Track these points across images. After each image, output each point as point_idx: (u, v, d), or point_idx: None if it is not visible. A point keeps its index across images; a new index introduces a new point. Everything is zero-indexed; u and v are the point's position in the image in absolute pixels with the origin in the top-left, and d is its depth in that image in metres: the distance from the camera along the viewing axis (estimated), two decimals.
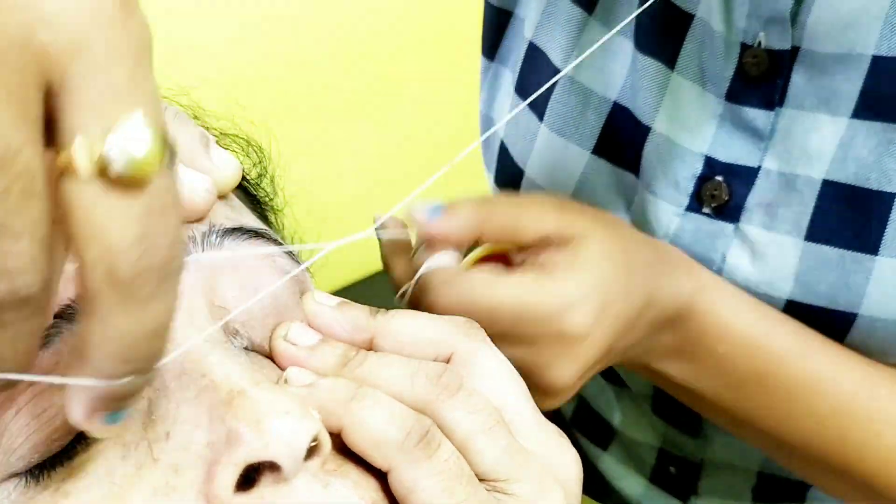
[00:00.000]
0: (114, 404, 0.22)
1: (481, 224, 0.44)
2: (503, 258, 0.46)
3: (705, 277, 0.48)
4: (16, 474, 0.27)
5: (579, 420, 0.69)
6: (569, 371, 0.44)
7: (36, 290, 0.20)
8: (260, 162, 0.44)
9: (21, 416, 0.26)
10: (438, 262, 0.44)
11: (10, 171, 0.19)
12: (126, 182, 0.20)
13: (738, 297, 0.48)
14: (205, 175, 0.32)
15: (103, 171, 0.20)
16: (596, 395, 0.66)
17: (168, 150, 0.21)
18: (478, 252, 0.47)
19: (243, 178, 0.41)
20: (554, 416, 0.71)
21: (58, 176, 0.20)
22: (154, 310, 0.21)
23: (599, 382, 0.66)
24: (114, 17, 0.20)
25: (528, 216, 0.44)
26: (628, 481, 0.67)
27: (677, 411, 0.60)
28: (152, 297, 0.21)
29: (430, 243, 0.44)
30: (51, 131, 0.20)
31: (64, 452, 0.27)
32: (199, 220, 0.32)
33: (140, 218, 0.20)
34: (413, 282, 0.44)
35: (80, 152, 0.20)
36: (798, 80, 0.47)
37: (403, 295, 0.45)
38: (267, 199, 0.43)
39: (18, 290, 0.20)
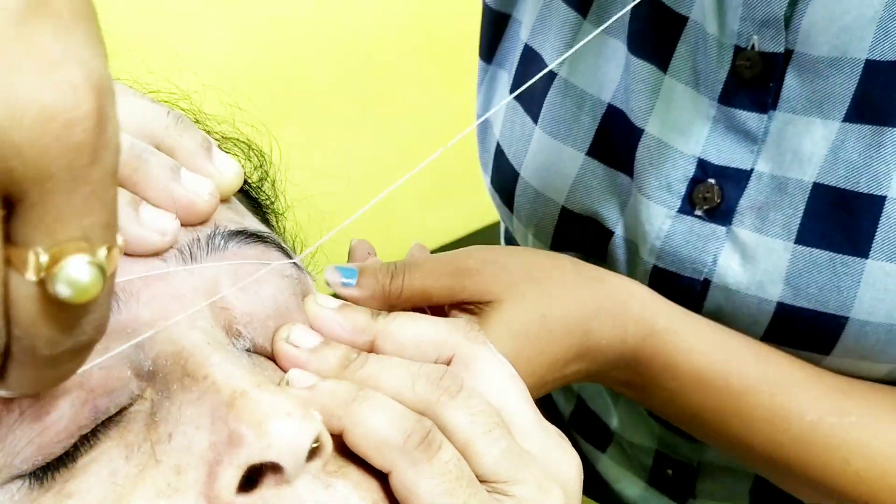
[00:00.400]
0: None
1: (390, 293, 0.43)
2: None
3: (662, 320, 0.47)
4: (19, 476, 0.27)
5: (578, 421, 0.69)
6: None
7: None
8: (261, 166, 0.45)
9: (24, 419, 0.27)
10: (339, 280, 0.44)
11: None
12: (62, 301, 0.21)
13: (698, 336, 0.47)
14: (207, 179, 0.32)
15: (44, 283, 0.21)
16: (593, 396, 0.67)
17: (107, 283, 0.22)
18: None
19: (245, 181, 0.41)
20: (552, 416, 0.71)
21: (6, 258, 0.21)
22: (64, 369, 0.24)
23: (597, 385, 0.66)
24: (83, 146, 0.21)
25: (438, 284, 0.44)
26: (627, 483, 0.67)
27: None
28: (67, 361, 0.23)
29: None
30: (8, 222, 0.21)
31: (67, 454, 0.27)
32: (202, 223, 0.32)
33: (68, 321, 0.22)
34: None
35: (29, 261, 0.21)
36: (791, 83, 0.47)
37: None
38: (268, 202, 0.44)
39: None
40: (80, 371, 0.27)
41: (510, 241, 0.72)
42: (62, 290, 0.21)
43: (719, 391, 0.47)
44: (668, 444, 0.62)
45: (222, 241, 0.32)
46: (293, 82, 1.49)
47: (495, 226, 0.80)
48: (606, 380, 0.49)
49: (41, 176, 0.20)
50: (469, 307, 0.44)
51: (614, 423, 0.65)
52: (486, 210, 1.64)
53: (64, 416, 0.27)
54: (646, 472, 0.65)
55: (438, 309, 0.46)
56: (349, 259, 0.50)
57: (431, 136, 1.59)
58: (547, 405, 0.72)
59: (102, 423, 0.28)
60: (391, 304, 0.43)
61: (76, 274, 0.21)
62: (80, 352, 0.23)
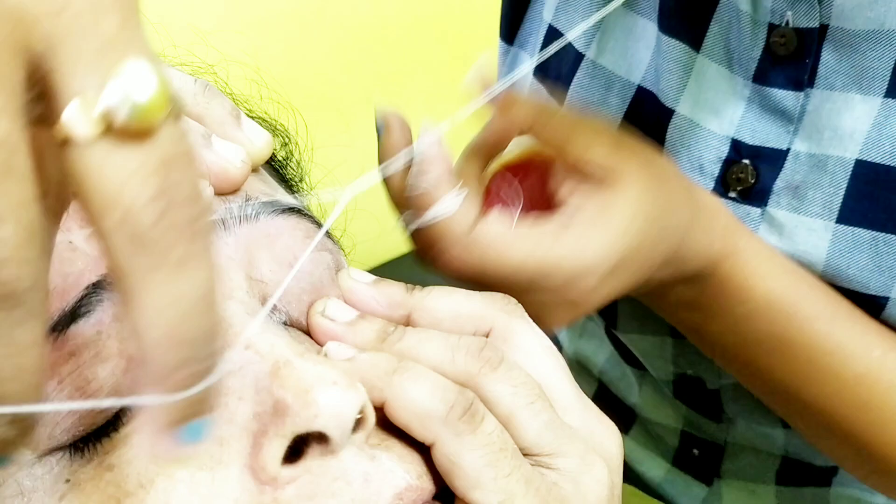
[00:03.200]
0: (187, 414, 0.20)
1: (534, 126, 0.43)
2: (539, 170, 0.45)
3: (742, 241, 0.47)
4: (60, 448, 0.27)
5: (600, 403, 0.68)
6: (564, 320, 0.44)
7: (25, 285, 0.18)
8: (286, 144, 0.44)
9: (64, 388, 0.26)
10: (444, 211, 0.41)
11: None
12: (133, 133, 0.18)
13: (773, 262, 0.47)
14: (238, 146, 0.32)
15: (107, 128, 0.18)
16: (617, 379, 0.66)
17: (173, 97, 0.19)
18: (513, 157, 0.46)
19: (272, 157, 0.41)
20: None
21: (59, 149, 0.18)
22: (192, 275, 0.19)
23: (620, 367, 0.65)
24: None
25: (583, 134, 0.43)
26: (650, 465, 0.66)
27: (699, 396, 0.60)
28: (186, 259, 0.19)
29: (424, 167, 0.41)
30: (43, 109, 0.19)
31: (109, 424, 0.27)
32: (234, 192, 0.32)
33: (155, 170, 0.18)
34: (414, 226, 0.42)
35: (78, 114, 0.18)
36: (828, 58, 0.46)
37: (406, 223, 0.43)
38: (296, 179, 0.43)
39: (8, 283, 0.17)
40: (119, 341, 0.26)
41: None
42: (128, 117, 0.18)
43: (787, 317, 0.46)
44: (693, 424, 0.62)
45: (254, 212, 0.31)
46: (319, 62, 1.47)
47: None
48: (674, 297, 0.48)
49: (58, 6, 0.18)
50: (594, 171, 0.42)
51: (638, 403, 0.65)
52: None
53: (105, 384, 0.27)
54: (670, 452, 0.65)
55: (538, 168, 0.45)
56: (385, 133, 0.45)
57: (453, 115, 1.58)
58: None
59: None
60: (534, 130, 0.43)
61: (135, 94, 0.18)
62: (193, 239, 0.19)
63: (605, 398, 0.68)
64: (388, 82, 1.59)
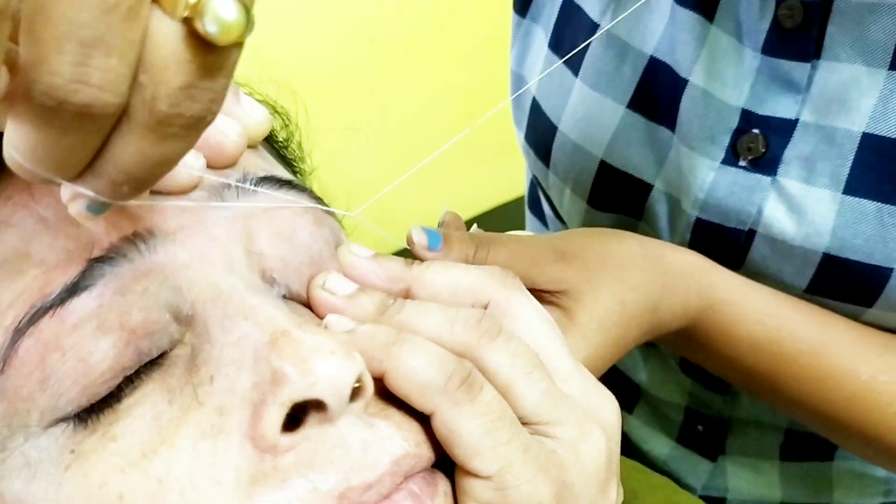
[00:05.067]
0: (98, 206, 0.24)
1: (475, 254, 0.43)
2: None
3: (720, 292, 0.48)
4: (64, 419, 0.27)
5: (605, 380, 0.69)
6: None
7: (108, 111, 0.21)
8: (286, 126, 0.45)
9: (68, 359, 0.27)
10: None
11: None
12: (203, 38, 0.21)
13: (754, 304, 0.48)
14: (235, 121, 0.32)
15: (191, 20, 0.21)
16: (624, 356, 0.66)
17: (250, 25, 0.21)
18: None
19: (272, 138, 0.41)
20: None
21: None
22: (169, 147, 0.22)
23: None
24: None
25: (519, 266, 0.43)
26: (655, 443, 0.67)
27: (705, 369, 0.60)
28: (174, 136, 0.22)
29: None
30: None
31: (112, 395, 0.27)
32: (230, 166, 0.32)
33: (196, 71, 0.21)
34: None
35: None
36: (833, 31, 0.47)
37: None
38: (296, 160, 0.44)
39: (92, 108, 0.20)
40: (119, 314, 0.27)
41: (535, 207, 0.72)
42: (208, 24, 0.20)
43: (773, 356, 0.47)
44: (698, 400, 0.62)
45: (252, 186, 0.31)
46: (322, 42, 1.47)
47: (518, 201, 0.79)
48: (667, 342, 0.50)
49: None
50: (544, 295, 0.44)
51: (643, 380, 0.65)
52: (512, 184, 1.64)
53: (107, 356, 0.27)
54: (675, 429, 0.65)
55: None
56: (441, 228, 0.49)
57: (463, 92, 1.57)
58: None
59: (145, 365, 0.28)
60: None
61: (223, 9, 0.20)
62: (191, 127, 0.22)
63: (611, 374, 0.68)
64: (393, 69, 1.59)
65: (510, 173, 0.95)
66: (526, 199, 0.75)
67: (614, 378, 0.68)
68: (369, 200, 0.39)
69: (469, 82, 1.51)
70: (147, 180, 0.23)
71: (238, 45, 0.22)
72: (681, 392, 0.63)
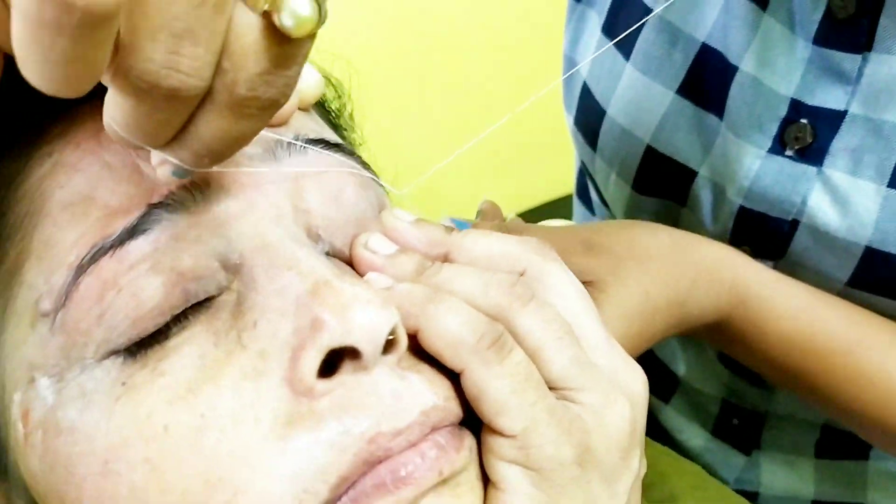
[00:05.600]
0: (182, 171, 0.27)
1: None
2: None
3: (752, 287, 0.48)
4: (116, 351, 0.28)
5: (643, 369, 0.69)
6: None
7: (194, 94, 0.23)
8: (339, 96, 0.46)
9: (122, 295, 0.28)
10: None
11: None
12: (280, 30, 0.23)
13: (787, 301, 0.48)
14: None
15: (270, 14, 0.23)
16: (661, 344, 0.67)
17: (322, 19, 0.24)
18: None
19: (325, 105, 0.43)
20: None
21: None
22: (245, 125, 0.25)
23: None
24: None
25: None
26: (690, 434, 0.67)
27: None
28: (250, 116, 0.25)
29: None
30: None
31: (160, 332, 0.29)
32: (282, 124, 0.33)
33: (273, 59, 0.24)
34: None
35: None
36: (886, 22, 0.46)
37: None
38: (346, 128, 0.45)
39: (180, 91, 0.23)
40: (171, 259, 0.29)
41: (584, 198, 0.72)
42: (285, 18, 0.23)
43: (805, 353, 0.47)
44: (735, 392, 0.62)
45: (302, 145, 0.32)
46: (376, 12, 1.48)
47: (568, 198, 0.80)
48: (702, 336, 0.50)
49: None
50: None
51: (682, 370, 0.65)
52: (561, 182, 1.63)
53: (157, 294, 0.28)
54: (711, 421, 0.65)
55: None
56: (478, 219, 0.50)
57: (514, 72, 1.57)
58: None
59: (192, 307, 0.29)
60: None
61: (299, 5, 0.23)
62: (266, 109, 0.25)
63: (649, 363, 0.68)
64: (451, 37, 1.57)
65: (561, 169, 0.95)
66: (574, 186, 0.75)
67: (652, 367, 0.68)
68: (416, 180, 0.40)
69: (524, 67, 1.51)
70: (225, 153, 0.26)
71: (311, 37, 0.24)
72: (718, 384, 0.63)
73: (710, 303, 0.47)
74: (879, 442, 0.52)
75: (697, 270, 0.47)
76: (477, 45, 1.61)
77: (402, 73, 1.53)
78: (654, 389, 0.69)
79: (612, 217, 0.64)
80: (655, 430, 0.69)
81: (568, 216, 0.79)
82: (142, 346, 0.29)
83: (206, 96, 0.24)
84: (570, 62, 0.65)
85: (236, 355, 0.28)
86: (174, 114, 0.24)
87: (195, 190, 0.30)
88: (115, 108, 0.24)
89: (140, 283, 0.28)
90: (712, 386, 0.64)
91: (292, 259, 0.29)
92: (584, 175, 0.70)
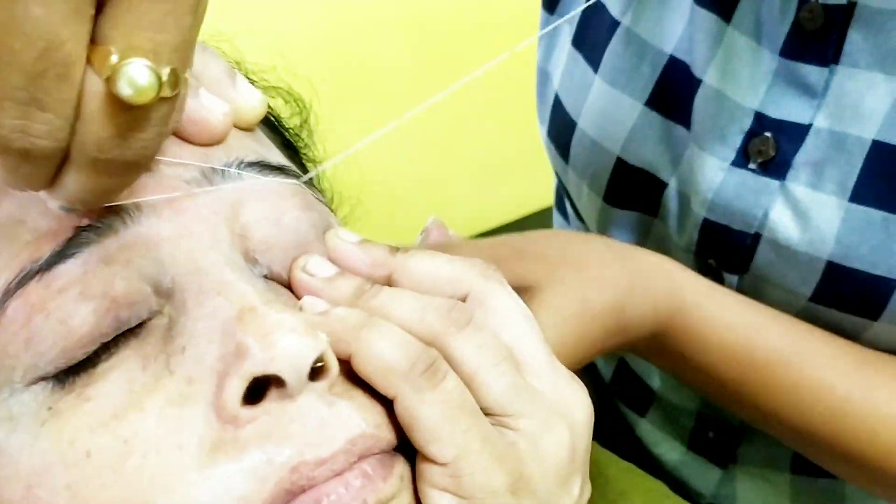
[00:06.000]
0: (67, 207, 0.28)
1: None
2: None
3: (689, 295, 0.47)
4: (44, 378, 0.28)
5: (618, 384, 0.69)
6: None
7: (49, 153, 0.24)
8: (300, 112, 0.46)
9: (50, 321, 0.28)
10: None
11: (50, 57, 0.22)
12: (123, 98, 0.24)
13: (724, 309, 0.47)
14: (224, 102, 0.33)
15: (110, 80, 0.23)
16: (636, 357, 0.66)
17: (167, 86, 0.24)
18: None
19: (281, 125, 0.42)
20: (593, 380, 0.71)
21: (87, 56, 0.23)
22: (110, 181, 0.26)
23: None
24: None
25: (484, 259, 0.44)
26: (666, 447, 0.66)
27: None
28: (112, 173, 0.26)
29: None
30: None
31: (89, 360, 0.28)
32: (215, 144, 0.33)
33: (122, 125, 0.24)
34: None
35: (102, 57, 0.23)
36: (854, 36, 0.46)
37: None
38: (306, 149, 0.44)
39: (31, 152, 0.24)
40: (103, 283, 0.28)
41: (561, 209, 0.72)
42: (122, 87, 0.23)
43: (744, 365, 0.47)
44: (710, 406, 0.62)
45: (238, 169, 0.32)
46: (339, 32, 1.47)
47: (549, 210, 0.80)
48: (643, 351, 0.50)
49: None
50: None
51: (657, 383, 0.65)
52: (541, 194, 1.62)
53: (87, 321, 0.28)
54: (686, 434, 0.64)
55: None
56: (422, 238, 0.50)
57: (484, 89, 1.56)
58: (587, 368, 0.71)
59: (123, 333, 0.29)
60: None
61: (137, 75, 0.23)
62: (126, 169, 0.26)
63: (625, 377, 0.68)
64: (417, 52, 1.57)
65: (541, 182, 0.95)
66: (553, 198, 0.75)
67: (628, 380, 0.68)
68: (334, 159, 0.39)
69: (491, 79, 1.50)
70: (97, 203, 0.27)
71: (163, 100, 0.24)
72: (693, 397, 0.63)
73: (649, 309, 0.46)
74: (828, 463, 0.51)
75: (634, 277, 0.46)
76: (454, 53, 1.60)
77: (366, 88, 1.53)
78: (629, 403, 0.68)
79: (587, 229, 0.64)
80: (632, 443, 0.68)
81: (548, 228, 0.78)
82: (70, 372, 0.28)
83: (67, 152, 0.25)
84: (543, 74, 0.65)
85: (164, 380, 0.28)
86: (38, 168, 0.25)
87: (125, 213, 0.30)
88: None
89: (69, 309, 0.28)
90: (687, 399, 0.63)
91: (222, 284, 0.29)
92: (561, 187, 0.70)
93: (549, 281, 0.44)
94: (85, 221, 0.29)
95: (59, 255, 0.29)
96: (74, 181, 0.25)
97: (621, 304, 0.45)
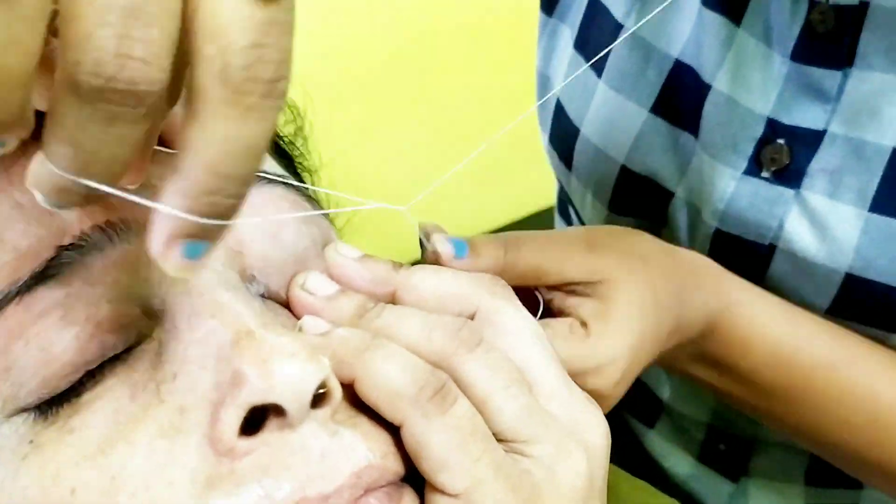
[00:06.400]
0: (195, 234, 0.22)
1: (504, 267, 0.40)
2: (527, 291, 0.44)
3: (734, 293, 0.46)
4: (24, 409, 0.26)
5: (627, 396, 0.67)
6: None
7: (154, 89, 0.20)
8: (294, 120, 0.44)
9: (31, 349, 0.26)
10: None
11: None
12: None
13: (769, 310, 0.46)
14: None
15: None
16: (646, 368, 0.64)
17: None
18: None
19: (275, 133, 0.41)
20: None
21: None
22: (254, 125, 0.21)
23: None
24: None
25: (551, 260, 0.41)
26: (676, 460, 0.65)
27: None
28: (255, 109, 0.21)
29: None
30: None
31: (72, 389, 0.27)
32: None
33: (260, 27, 0.20)
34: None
35: None
36: (868, 37, 0.44)
37: None
38: (301, 157, 0.43)
39: (137, 84, 0.20)
40: (87, 306, 0.26)
41: (564, 214, 0.70)
42: None
43: (790, 367, 0.45)
44: (721, 417, 0.60)
45: None
46: (333, 36, 1.46)
47: (550, 211, 0.78)
48: (682, 358, 0.48)
49: None
50: (578, 287, 0.42)
51: (666, 394, 0.63)
52: (542, 195, 1.61)
53: (69, 348, 0.26)
54: (696, 447, 0.63)
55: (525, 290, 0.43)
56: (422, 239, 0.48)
57: (484, 92, 1.55)
58: None
59: (109, 360, 0.27)
60: (506, 277, 0.40)
61: None
62: (266, 97, 0.21)
63: (635, 387, 0.66)
64: (415, 54, 1.55)
65: (542, 182, 0.93)
66: (556, 204, 0.73)
67: (636, 391, 0.66)
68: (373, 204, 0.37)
69: (497, 84, 1.49)
70: (243, 179, 0.22)
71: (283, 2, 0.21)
72: (704, 408, 0.61)
73: (701, 305, 0.45)
74: (868, 475, 0.50)
75: (686, 273, 0.45)
76: (453, 57, 1.59)
77: (367, 94, 1.51)
78: (638, 414, 0.67)
79: None
80: (640, 456, 0.67)
81: (550, 228, 0.77)
82: (53, 403, 0.27)
83: (192, 108, 0.21)
84: (544, 78, 0.63)
85: (154, 410, 0.26)
86: (134, 123, 0.20)
87: (111, 229, 0.28)
88: (58, 137, 0.21)
89: (50, 335, 0.26)
90: (698, 410, 0.62)
91: (216, 305, 0.27)
92: (564, 193, 0.68)
93: (623, 273, 0.42)
94: (67, 240, 0.27)
95: (40, 277, 0.27)
96: (217, 138, 0.21)
97: (680, 296, 0.44)
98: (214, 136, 0.21)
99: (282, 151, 0.40)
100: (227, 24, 0.20)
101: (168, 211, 0.21)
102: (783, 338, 0.45)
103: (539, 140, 0.66)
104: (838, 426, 0.46)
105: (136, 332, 0.28)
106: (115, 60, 0.19)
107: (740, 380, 0.47)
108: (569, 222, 0.70)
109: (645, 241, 0.45)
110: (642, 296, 0.42)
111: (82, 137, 0.20)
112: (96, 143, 0.21)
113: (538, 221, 1.70)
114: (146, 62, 0.20)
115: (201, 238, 0.22)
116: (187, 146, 0.21)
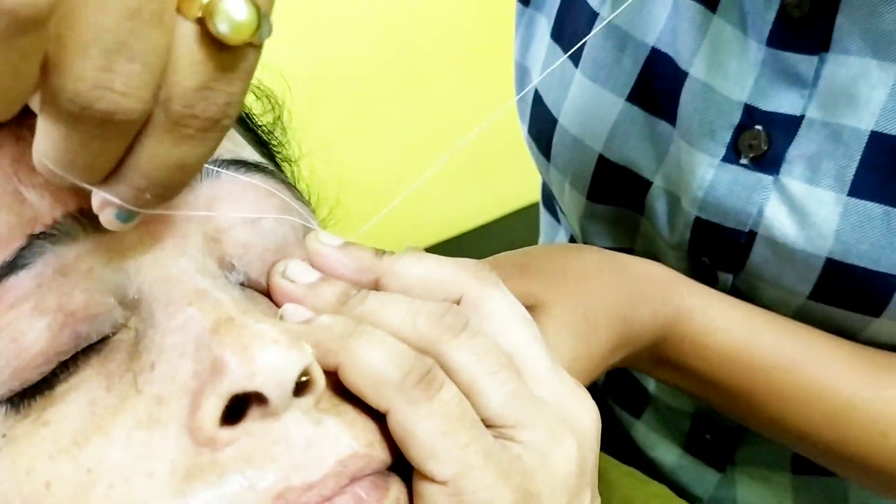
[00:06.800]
0: (126, 214, 0.25)
1: None
2: None
3: (688, 299, 0.46)
4: None
5: (613, 386, 0.67)
6: None
7: (131, 117, 0.21)
8: (272, 109, 0.43)
9: (1, 340, 0.25)
10: None
11: None
12: (217, 38, 0.21)
13: (725, 314, 0.46)
14: None
15: (203, 21, 0.21)
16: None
17: (264, 27, 0.22)
18: None
19: (253, 122, 0.40)
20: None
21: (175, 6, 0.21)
22: (188, 149, 0.23)
23: None
24: None
25: None
26: (662, 450, 0.64)
27: None
28: (190, 138, 0.23)
29: None
30: None
31: (45, 381, 0.26)
32: None
33: (211, 72, 0.22)
34: None
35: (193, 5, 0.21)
36: (843, 22, 0.44)
37: None
38: (280, 147, 0.42)
39: (114, 114, 0.21)
40: (59, 295, 0.26)
41: (548, 203, 0.70)
42: (219, 23, 0.21)
43: (746, 368, 0.46)
44: (706, 407, 0.60)
45: (216, 168, 0.30)
46: (315, 27, 1.45)
47: (535, 207, 0.78)
48: (643, 363, 0.48)
49: None
50: None
51: (652, 385, 0.63)
52: (526, 191, 1.60)
53: (41, 338, 0.26)
54: (683, 437, 0.63)
55: None
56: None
57: (464, 85, 1.54)
58: None
59: (83, 350, 0.26)
60: None
61: (233, 9, 0.21)
62: (207, 130, 0.23)
63: (619, 378, 0.66)
64: (393, 49, 1.55)
65: (527, 178, 0.93)
66: (540, 195, 0.73)
67: (623, 381, 0.66)
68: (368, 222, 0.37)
69: (483, 77, 1.48)
70: (168, 186, 0.24)
71: (253, 46, 0.22)
72: (689, 399, 0.61)
73: (650, 317, 0.45)
74: (834, 466, 0.50)
75: (632, 287, 0.46)
76: (437, 50, 1.58)
77: (350, 87, 1.50)
78: (625, 405, 0.66)
79: (573, 228, 0.62)
80: (627, 446, 0.66)
81: (535, 225, 0.76)
82: (26, 395, 0.26)
83: (146, 122, 0.22)
84: (522, 69, 0.63)
85: (130, 401, 0.26)
86: (110, 142, 0.22)
87: (84, 217, 0.27)
88: (46, 140, 0.22)
89: (21, 325, 0.25)
90: (683, 401, 0.62)
91: (193, 292, 0.27)
92: (547, 185, 0.68)
93: (553, 297, 0.43)
94: (38, 228, 0.26)
95: (10, 266, 0.26)
96: (149, 154, 0.23)
97: (623, 312, 0.44)
98: (148, 151, 0.23)
99: (261, 140, 0.40)
100: (179, 65, 0.22)
101: (101, 195, 0.24)
102: (738, 341, 0.46)
103: (521, 137, 0.66)
104: (802, 424, 0.46)
105: (111, 322, 0.27)
106: (93, 91, 0.20)
107: (701, 382, 0.48)
108: (553, 215, 0.70)
109: (586, 259, 0.46)
110: (574, 319, 0.42)
111: (63, 146, 0.22)
112: (73, 155, 0.22)
113: (522, 219, 1.70)
114: (125, 94, 0.21)
115: (128, 213, 0.25)
116: (130, 151, 0.23)
